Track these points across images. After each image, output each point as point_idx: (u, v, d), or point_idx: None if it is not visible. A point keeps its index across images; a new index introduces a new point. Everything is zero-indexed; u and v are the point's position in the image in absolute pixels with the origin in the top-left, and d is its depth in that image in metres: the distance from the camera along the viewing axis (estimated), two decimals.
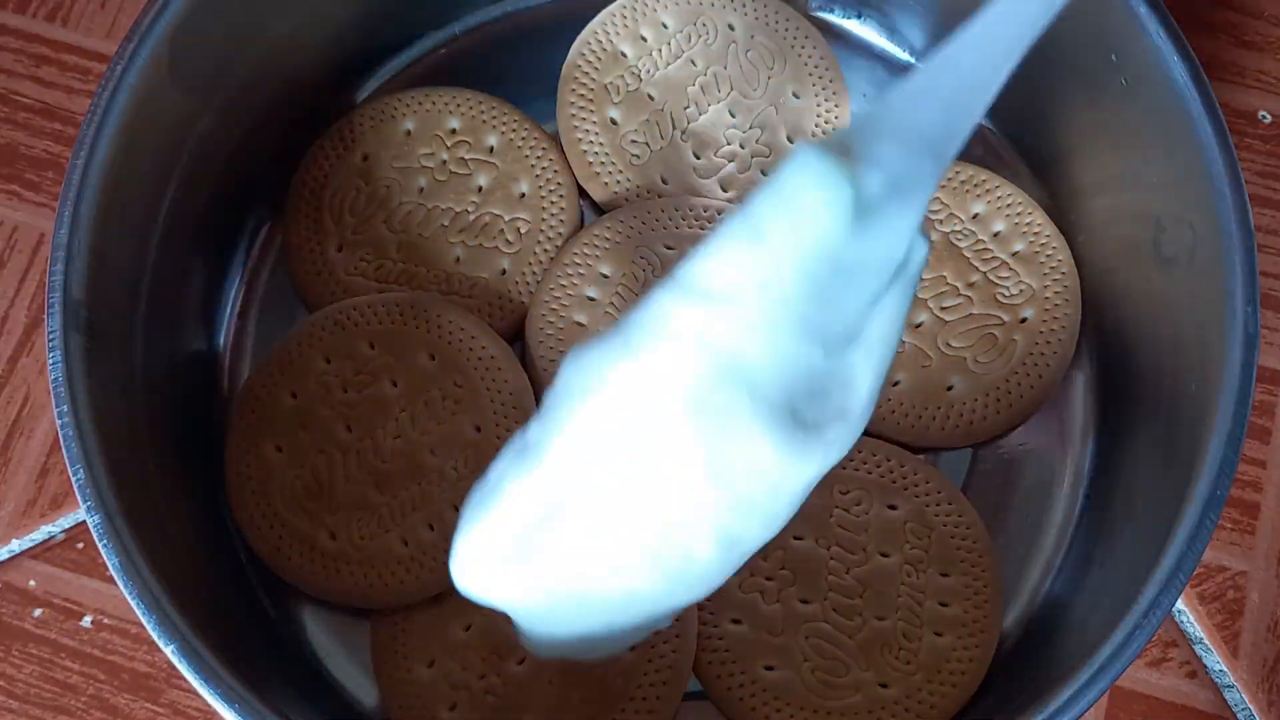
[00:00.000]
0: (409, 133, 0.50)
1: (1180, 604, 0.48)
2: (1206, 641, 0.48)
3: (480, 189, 0.50)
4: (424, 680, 0.43)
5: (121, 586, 0.37)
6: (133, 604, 0.37)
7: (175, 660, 0.36)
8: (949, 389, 0.46)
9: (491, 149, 0.50)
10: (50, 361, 0.38)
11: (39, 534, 0.49)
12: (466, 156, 0.50)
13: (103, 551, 0.37)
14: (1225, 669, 0.47)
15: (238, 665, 0.37)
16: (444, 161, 0.50)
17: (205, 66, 0.45)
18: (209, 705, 0.36)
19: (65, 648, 0.47)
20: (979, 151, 0.52)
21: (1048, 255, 0.48)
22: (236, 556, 0.45)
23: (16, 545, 0.49)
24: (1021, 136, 0.51)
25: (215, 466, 0.46)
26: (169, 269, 0.45)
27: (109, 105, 0.41)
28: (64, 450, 0.38)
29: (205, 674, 0.36)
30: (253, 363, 0.49)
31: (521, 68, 0.54)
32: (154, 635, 0.36)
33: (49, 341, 0.38)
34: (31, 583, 0.48)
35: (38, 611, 0.48)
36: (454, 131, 0.50)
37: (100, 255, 0.40)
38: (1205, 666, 0.47)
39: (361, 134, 0.50)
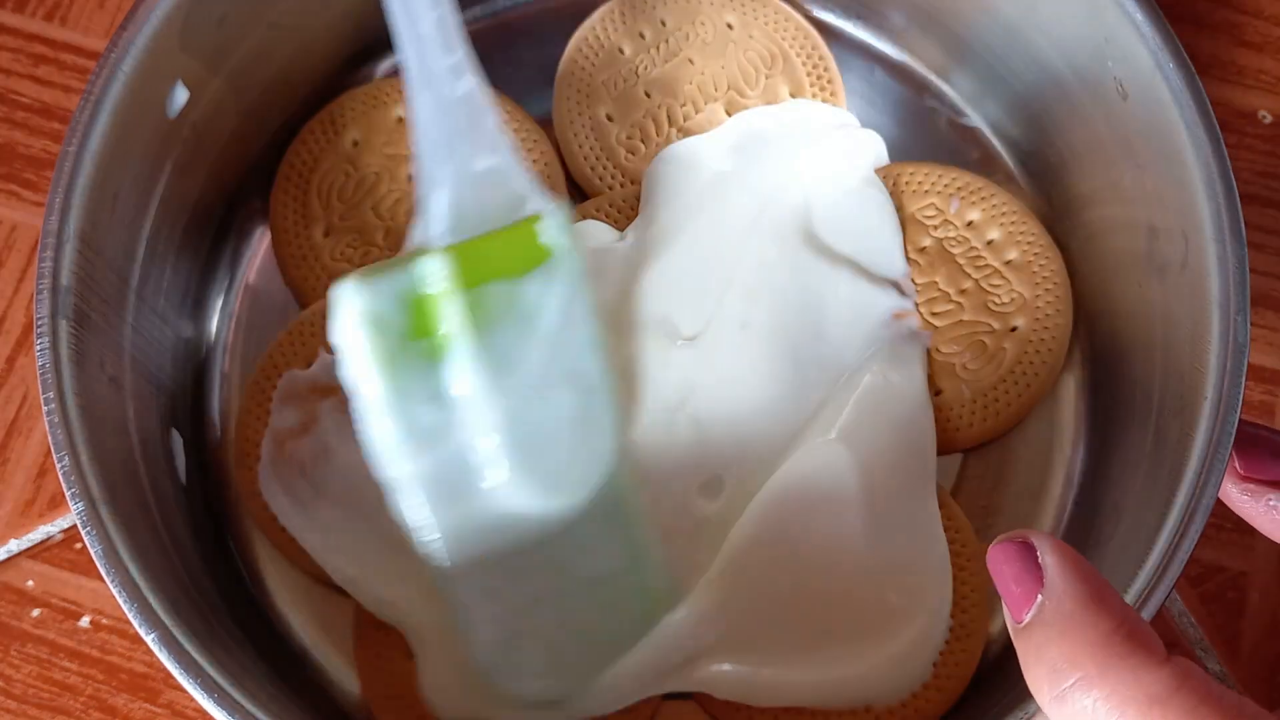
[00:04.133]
0: (400, 119, 0.50)
1: (1180, 604, 0.48)
2: (1206, 642, 0.48)
3: None
4: (404, 670, 0.43)
5: (103, 573, 0.37)
6: (114, 591, 0.37)
7: (155, 649, 0.36)
8: (937, 394, 0.46)
9: None
10: (38, 348, 0.38)
11: (37, 534, 0.49)
12: None
13: (85, 538, 0.37)
14: (1225, 670, 0.47)
15: (219, 656, 0.37)
16: None
17: (199, 57, 0.45)
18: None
19: (63, 648, 0.47)
20: (976, 158, 0.52)
21: (1041, 265, 0.47)
22: (224, 548, 0.45)
23: (15, 545, 0.49)
24: (1019, 144, 0.51)
25: (205, 457, 0.46)
26: (160, 257, 0.45)
27: (102, 92, 0.41)
28: (50, 436, 0.38)
29: (185, 664, 0.36)
30: (244, 353, 0.49)
31: (519, 62, 0.53)
32: (135, 624, 0.36)
33: (36, 328, 0.39)
34: (30, 583, 0.48)
35: (36, 612, 0.48)
36: None
37: (90, 242, 0.40)
38: (1205, 667, 0.47)
39: (353, 118, 0.50)
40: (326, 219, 0.49)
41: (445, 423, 0.38)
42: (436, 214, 0.39)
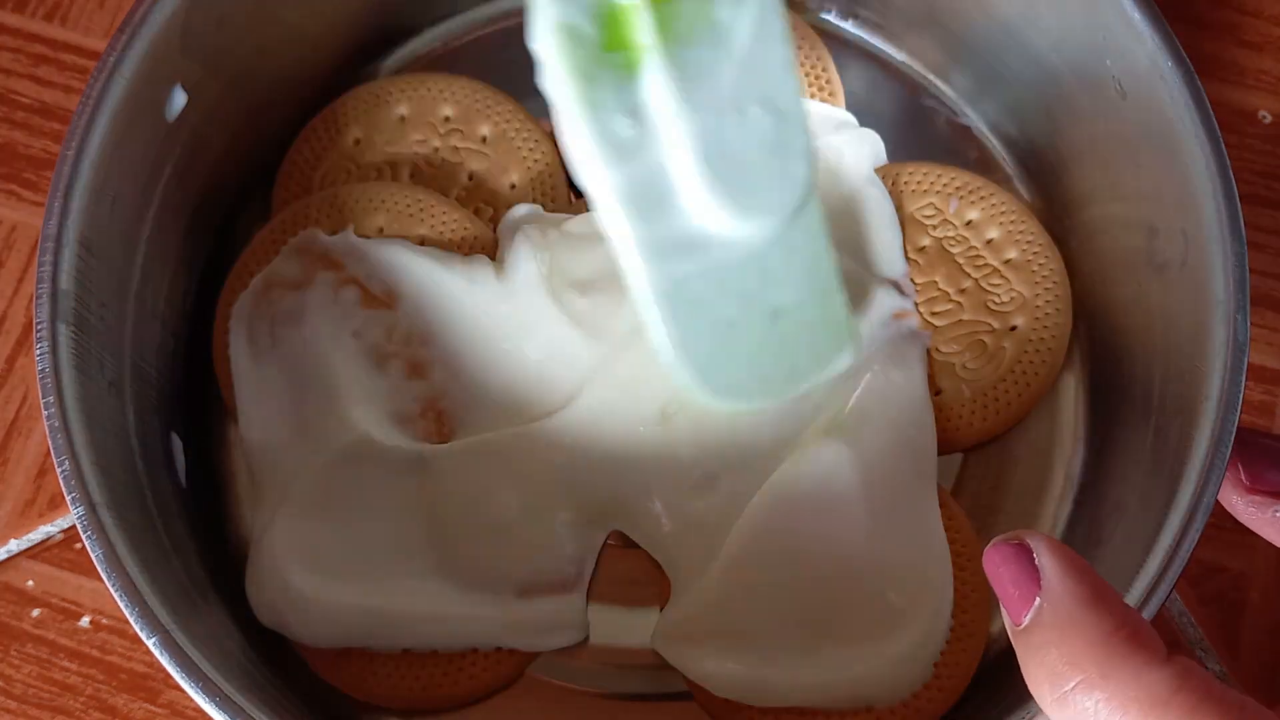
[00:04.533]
0: (403, 118, 0.50)
1: (1180, 605, 0.48)
2: (1206, 642, 0.48)
3: (471, 177, 0.50)
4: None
5: (104, 578, 0.37)
6: (115, 596, 0.37)
7: (157, 653, 0.36)
8: (937, 394, 0.46)
9: (484, 138, 0.50)
10: (38, 352, 0.38)
11: (37, 534, 0.49)
12: (459, 145, 0.50)
13: (86, 543, 0.37)
14: (1225, 670, 0.47)
15: (221, 659, 0.37)
16: (436, 149, 0.50)
17: (199, 59, 0.45)
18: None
19: (63, 648, 0.47)
20: (975, 158, 0.52)
21: (1040, 264, 0.47)
22: (225, 551, 0.45)
23: (15, 545, 0.49)
24: (1018, 143, 0.51)
25: (205, 461, 0.46)
26: (160, 261, 0.45)
27: (100, 95, 0.41)
28: (50, 441, 0.38)
29: (186, 667, 0.36)
30: None
31: (520, 63, 0.53)
32: (136, 628, 0.36)
33: (36, 332, 0.39)
34: (30, 583, 0.48)
35: (36, 612, 0.48)
36: (447, 119, 0.50)
37: (89, 246, 0.40)
38: (1205, 667, 0.47)
39: (355, 117, 0.50)
40: None
41: (641, 137, 0.38)
42: None
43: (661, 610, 0.44)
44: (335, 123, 0.50)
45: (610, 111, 0.38)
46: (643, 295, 0.39)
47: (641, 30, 0.37)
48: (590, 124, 0.37)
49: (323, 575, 0.43)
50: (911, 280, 0.47)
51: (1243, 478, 0.38)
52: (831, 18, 0.53)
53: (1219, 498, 0.38)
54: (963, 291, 0.47)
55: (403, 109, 0.50)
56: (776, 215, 0.40)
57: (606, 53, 0.37)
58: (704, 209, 0.39)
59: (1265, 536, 0.39)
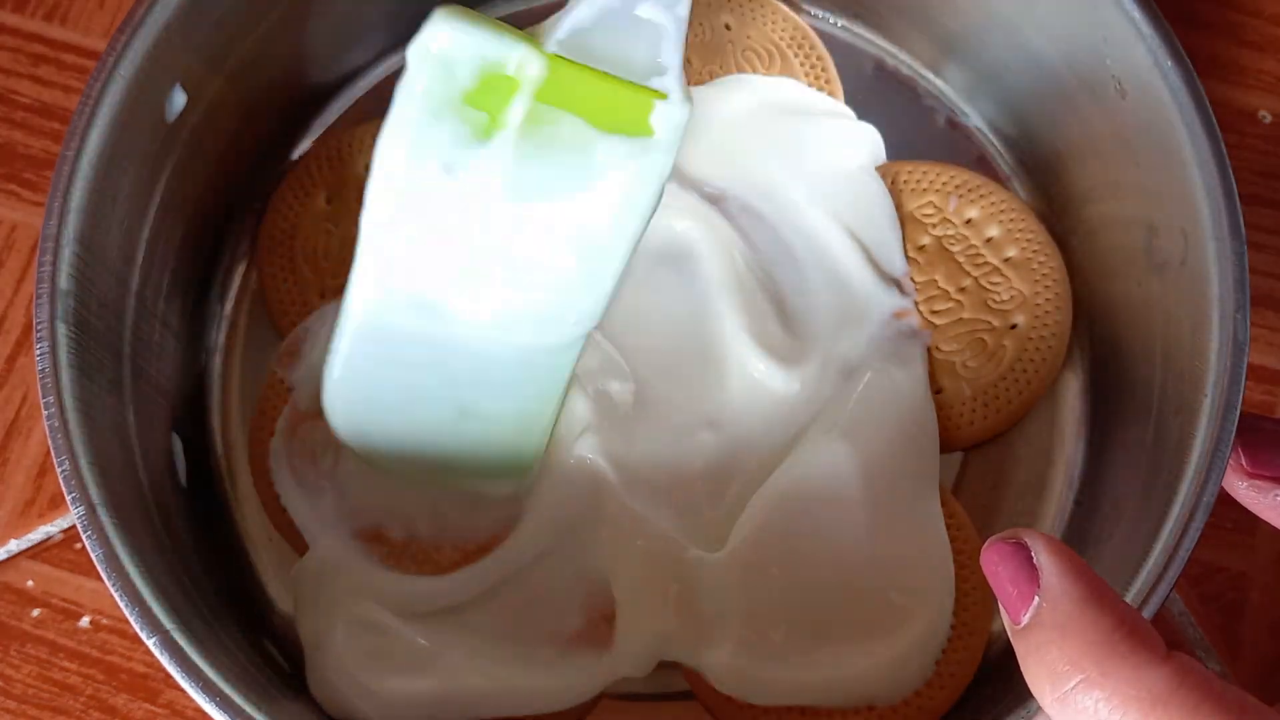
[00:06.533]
0: (368, 168, 0.50)
1: (1180, 604, 0.48)
2: (1206, 642, 0.48)
3: None
4: None
5: (104, 578, 0.37)
6: (115, 596, 0.37)
7: (157, 653, 0.36)
8: (937, 392, 0.46)
9: None
10: (37, 352, 0.38)
11: (37, 534, 0.49)
12: None
13: (86, 543, 0.37)
14: (1226, 670, 0.47)
15: (220, 659, 0.37)
16: None
17: (198, 59, 0.45)
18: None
19: (63, 648, 0.47)
20: (975, 156, 0.52)
21: (1040, 262, 0.47)
22: (224, 551, 0.45)
23: (15, 545, 0.49)
24: (1017, 142, 0.51)
25: (205, 461, 0.46)
26: (159, 260, 0.45)
27: (100, 95, 0.41)
28: (50, 441, 0.38)
29: (186, 668, 0.36)
30: (244, 355, 0.49)
31: None
32: (136, 628, 0.36)
33: (36, 332, 0.39)
34: (30, 583, 0.48)
35: (36, 612, 0.48)
36: None
37: (89, 246, 0.40)
38: (1205, 667, 0.47)
39: (320, 176, 0.50)
40: (320, 282, 0.48)
41: (445, 194, 0.36)
42: (568, 22, 0.36)
43: None
44: (302, 187, 0.50)
45: (431, 154, 0.36)
46: (346, 313, 0.39)
47: (512, 110, 0.35)
48: (409, 152, 0.36)
49: (395, 674, 0.42)
50: (911, 279, 0.47)
51: (1244, 461, 0.38)
52: (831, 17, 0.53)
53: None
54: (963, 290, 0.47)
55: (367, 158, 0.49)
56: (537, 345, 0.40)
57: (466, 104, 0.35)
58: (461, 299, 0.38)
59: (1266, 519, 0.38)
